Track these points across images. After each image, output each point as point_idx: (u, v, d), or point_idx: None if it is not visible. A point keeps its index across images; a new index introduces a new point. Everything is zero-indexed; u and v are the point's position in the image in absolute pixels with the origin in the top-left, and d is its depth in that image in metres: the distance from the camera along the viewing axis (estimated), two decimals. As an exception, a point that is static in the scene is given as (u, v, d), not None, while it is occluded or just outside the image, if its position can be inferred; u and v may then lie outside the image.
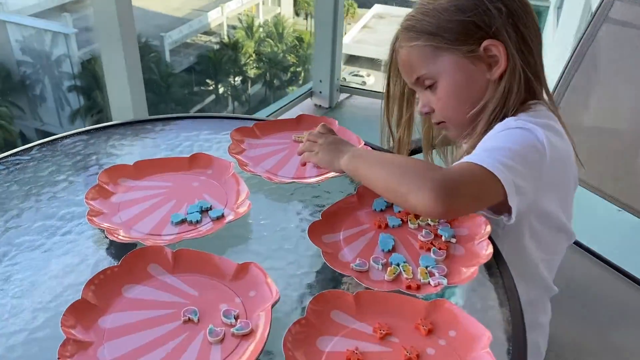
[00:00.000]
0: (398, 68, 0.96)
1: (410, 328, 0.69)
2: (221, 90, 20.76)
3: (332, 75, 2.94)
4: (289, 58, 21.13)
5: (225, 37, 20.71)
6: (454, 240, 0.83)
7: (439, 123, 0.96)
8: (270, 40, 20.94)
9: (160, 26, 19.06)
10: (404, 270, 0.76)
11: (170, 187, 0.92)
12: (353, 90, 3.25)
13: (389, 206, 0.90)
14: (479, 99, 0.89)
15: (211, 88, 20.56)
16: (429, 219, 0.86)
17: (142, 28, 17.72)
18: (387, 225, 0.85)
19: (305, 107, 3.08)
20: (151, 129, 1.11)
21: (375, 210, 0.89)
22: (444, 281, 0.74)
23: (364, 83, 20.45)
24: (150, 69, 17.92)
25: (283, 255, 0.80)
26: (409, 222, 0.86)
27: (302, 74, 21.75)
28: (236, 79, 20.84)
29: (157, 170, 0.95)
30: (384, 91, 1.03)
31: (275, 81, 21.50)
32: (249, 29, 20.49)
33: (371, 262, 0.78)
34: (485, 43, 0.86)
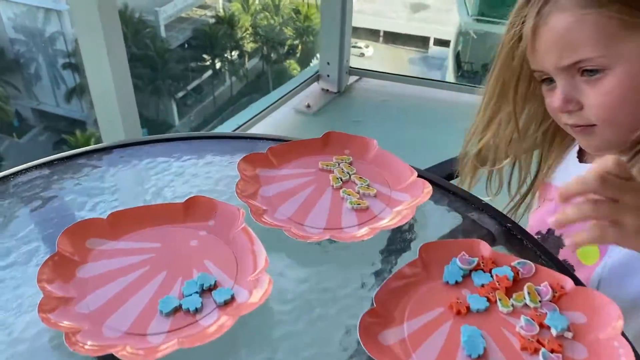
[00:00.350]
0: (528, 47, 0.68)
1: None
2: (218, 65, 20.31)
3: (340, 57, 2.65)
4: (285, 31, 20.60)
5: (221, 11, 20.14)
6: (569, 334, 0.57)
7: (583, 126, 0.69)
8: (267, 13, 20.37)
9: (154, 0, 18.52)
10: None
11: (159, 249, 0.66)
12: (363, 73, 2.96)
13: (467, 275, 0.64)
14: None
15: (208, 63, 20.11)
16: (527, 297, 0.60)
17: (136, 3, 17.19)
18: (468, 309, 0.59)
19: (312, 92, 2.79)
20: (132, 156, 0.84)
21: (448, 283, 0.63)
22: None
23: (362, 55, 19.99)
24: (145, 44, 17.45)
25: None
26: (498, 303, 0.60)
27: (300, 46, 21.29)
28: (233, 53, 20.38)
29: (140, 224, 0.69)
30: (492, 84, 0.75)
31: (272, 55, 21.01)
32: (245, 1, 19.94)
33: None
34: None
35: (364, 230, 0.68)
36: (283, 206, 0.73)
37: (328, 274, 0.66)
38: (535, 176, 0.85)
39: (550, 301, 0.60)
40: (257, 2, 20.07)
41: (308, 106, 2.66)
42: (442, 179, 0.79)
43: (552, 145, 0.82)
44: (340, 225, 0.70)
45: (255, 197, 0.74)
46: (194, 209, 0.70)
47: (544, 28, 0.66)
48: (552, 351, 0.55)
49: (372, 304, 0.58)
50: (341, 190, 0.75)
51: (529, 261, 0.64)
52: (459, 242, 0.66)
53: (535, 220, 0.84)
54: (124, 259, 0.64)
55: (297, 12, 20.53)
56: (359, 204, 0.72)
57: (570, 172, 0.76)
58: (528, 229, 0.77)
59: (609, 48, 0.63)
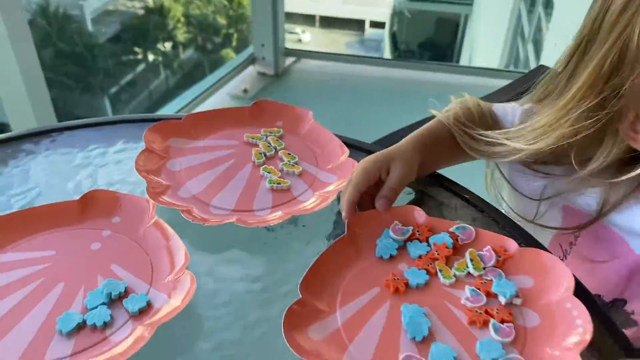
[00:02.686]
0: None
1: None
2: (151, 58, 19.65)
3: (275, 38, 2.55)
4: (219, 20, 20.16)
5: (150, 1, 19.45)
6: (518, 300, 0.51)
7: None
8: (198, 2, 19.84)
9: (77, -7, 17.64)
10: None
11: (54, 258, 0.55)
12: (301, 54, 2.86)
13: (402, 246, 0.56)
14: None
15: (140, 57, 19.42)
16: (470, 265, 0.54)
17: (58, -4, 16.32)
18: (407, 286, 0.52)
19: (248, 76, 2.68)
20: (22, 150, 0.72)
21: (382, 257, 0.55)
22: None
23: (299, 41, 19.82)
24: (72, 40, 16.64)
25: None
26: (439, 275, 0.53)
27: (235, 35, 20.89)
28: (166, 45, 19.77)
29: (28, 230, 0.57)
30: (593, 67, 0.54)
31: (208, 45, 20.52)
32: (175, -10, 19.31)
33: None
34: None
35: (276, 215, 0.59)
36: (190, 182, 0.63)
37: (266, 268, 0.57)
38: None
39: (495, 266, 0.54)
40: (187, -9, 19.49)
41: (245, 90, 2.55)
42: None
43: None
44: (252, 207, 0.61)
45: (159, 173, 0.64)
46: (92, 206, 0.59)
47: None
48: (502, 321, 0.49)
49: (299, 295, 0.49)
50: (262, 167, 0.66)
51: (468, 225, 0.57)
52: (390, 211, 0.59)
53: (593, 277, 0.64)
54: (11, 274, 0.53)
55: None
56: (279, 184, 0.63)
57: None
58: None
59: None
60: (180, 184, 0.63)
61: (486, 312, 0.49)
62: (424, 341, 0.47)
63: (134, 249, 0.56)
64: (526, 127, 0.61)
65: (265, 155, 0.68)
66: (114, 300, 0.50)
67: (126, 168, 0.68)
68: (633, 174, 0.54)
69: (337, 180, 0.64)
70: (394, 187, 0.59)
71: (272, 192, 0.63)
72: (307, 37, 21.34)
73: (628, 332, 0.61)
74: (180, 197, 0.61)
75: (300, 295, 0.49)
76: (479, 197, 0.65)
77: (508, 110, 0.69)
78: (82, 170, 0.68)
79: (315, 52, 2.97)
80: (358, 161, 0.62)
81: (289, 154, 0.68)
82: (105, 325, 0.48)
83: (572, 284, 0.49)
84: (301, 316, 0.48)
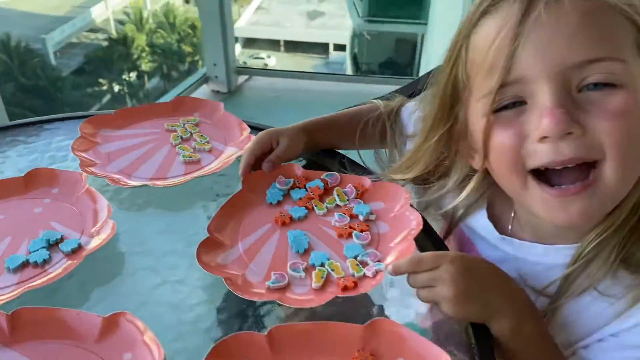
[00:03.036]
0: (500, 49, 0.51)
1: (346, 365, 0.52)
2: (117, 88, 19.64)
3: (226, 57, 2.70)
4: (184, 48, 20.31)
5: (114, 33, 19.51)
6: (372, 216, 0.68)
7: (582, 180, 0.51)
8: (162, 31, 19.98)
9: (39, 27, 17.58)
10: (332, 270, 0.60)
11: (2, 221, 0.68)
12: (252, 71, 3.03)
13: (286, 194, 0.72)
14: None
15: (105, 87, 19.39)
16: (337, 199, 0.70)
17: (20, 31, 16.26)
18: (291, 219, 0.68)
19: (202, 94, 2.82)
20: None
21: (272, 203, 0.71)
22: (382, 267, 0.59)
23: (265, 65, 20.10)
24: (36, 74, 16.53)
25: (169, 295, 0.60)
26: (315, 208, 0.70)
27: (200, 62, 21.03)
28: (130, 74, 19.80)
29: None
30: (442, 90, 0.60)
31: (173, 73, 20.62)
32: (138, 21, 19.44)
33: (290, 271, 0.60)
34: None
35: (182, 178, 0.74)
36: (117, 160, 0.78)
37: (178, 218, 0.71)
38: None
39: (355, 197, 0.71)
40: (150, 21, 19.65)
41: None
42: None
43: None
44: (166, 175, 0.75)
45: (91, 153, 0.78)
46: (35, 181, 0.74)
47: (552, 12, 0.48)
48: (361, 231, 0.66)
49: (207, 234, 0.64)
50: (178, 147, 0.81)
51: (335, 172, 0.74)
52: (276, 169, 0.74)
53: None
54: (-31, 230, 0.66)
55: (193, 27, 20.30)
56: (190, 157, 0.78)
57: (482, 233, 0.65)
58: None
59: (628, 59, 0.49)
60: (109, 162, 0.77)
61: (350, 227, 0.66)
62: (305, 253, 0.63)
63: (69, 210, 0.70)
64: (402, 159, 0.70)
65: (181, 138, 0.83)
66: (52, 245, 0.64)
67: (66, 153, 0.82)
68: (467, 190, 0.63)
69: (238, 151, 0.79)
70: (278, 155, 0.74)
71: (184, 164, 0.78)
72: (272, 62, 21.65)
73: None
74: (108, 170, 0.75)
75: (208, 235, 0.64)
76: (352, 160, 0.80)
77: (409, 115, 0.78)
78: (30, 156, 0.81)
79: (267, 69, 3.13)
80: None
81: (201, 135, 0.83)
82: (45, 262, 0.62)
83: (410, 199, 0.67)
84: (209, 249, 0.62)
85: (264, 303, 0.59)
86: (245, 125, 0.83)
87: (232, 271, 0.61)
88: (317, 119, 0.81)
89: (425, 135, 0.64)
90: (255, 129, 0.84)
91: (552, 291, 0.57)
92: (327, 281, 0.59)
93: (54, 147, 0.83)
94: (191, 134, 0.84)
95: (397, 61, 12.76)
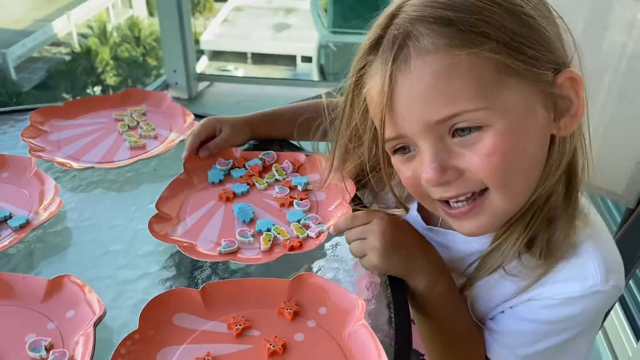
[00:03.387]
0: (379, 108, 0.54)
1: (273, 315, 0.57)
2: (81, 103, 19.29)
3: (186, 63, 2.74)
4: (149, 61, 20.18)
5: (77, 47, 19.25)
6: (310, 187, 0.75)
7: (469, 204, 0.56)
8: (127, 45, 19.82)
9: (-1, 42, 17.26)
10: (278, 234, 0.66)
11: (-45, 203, 0.72)
12: (213, 78, 3.07)
13: (227, 174, 0.78)
14: (541, 165, 0.56)
15: (69, 102, 19.04)
16: (276, 174, 0.77)
17: (-22, 46, 15.91)
18: (235, 195, 0.74)
19: (163, 102, 2.85)
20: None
21: (213, 183, 0.76)
22: (324, 228, 0.66)
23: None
24: (-6, 90, 16.17)
25: (111, 261, 0.65)
26: (256, 184, 0.75)
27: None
28: (95, 88, 19.55)
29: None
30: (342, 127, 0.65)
31: (138, 86, 20.44)
32: (102, 34, 19.23)
33: (238, 237, 0.65)
34: (565, 75, 0.53)
35: (128, 161, 0.80)
36: (66, 147, 0.82)
37: (122, 197, 0.76)
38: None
39: (293, 172, 0.78)
40: (115, 34, 19.48)
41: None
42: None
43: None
44: (113, 159, 0.80)
45: (41, 141, 0.82)
46: (-18, 166, 0.77)
47: (405, 78, 0.52)
48: (301, 199, 0.72)
49: (155, 210, 0.69)
50: (124, 134, 0.85)
51: (271, 151, 0.80)
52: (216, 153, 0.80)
53: None
54: None
55: (158, 41, 20.18)
56: (136, 142, 0.83)
57: (416, 225, 0.68)
58: None
59: (488, 99, 0.51)
60: (57, 149, 0.81)
61: (290, 197, 0.72)
62: (251, 222, 0.69)
63: (19, 191, 0.74)
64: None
65: (128, 126, 0.87)
66: (0, 222, 0.68)
67: (15, 142, 0.85)
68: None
69: (181, 135, 0.84)
70: (218, 143, 0.79)
71: (130, 150, 0.82)
72: (240, 74, 21.72)
73: None
74: (57, 156, 0.79)
75: (157, 211, 0.68)
76: (289, 142, 0.86)
77: None
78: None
79: (227, 76, 3.18)
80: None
81: (147, 124, 0.88)
82: (-7, 237, 0.66)
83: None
84: (159, 223, 0.67)
85: (202, 272, 0.63)
86: (189, 112, 0.88)
87: (183, 240, 0.65)
88: (263, 112, 0.86)
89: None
90: (199, 117, 0.89)
91: (470, 272, 0.64)
92: (274, 244, 0.65)
93: (3, 137, 0.87)
94: (138, 122, 0.88)
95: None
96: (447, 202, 0.57)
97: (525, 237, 0.58)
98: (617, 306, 1.48)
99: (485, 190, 0.55)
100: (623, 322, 1.45)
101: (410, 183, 0.58)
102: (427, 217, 0.69)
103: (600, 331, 1.52)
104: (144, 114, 0.91)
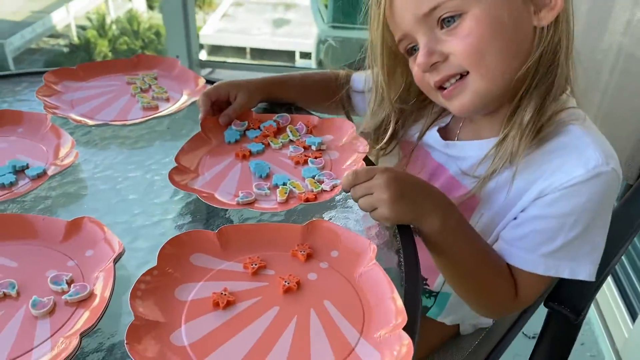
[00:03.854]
0: (387, 12, 0.67)
1: (287, 257, 0.59)
2: (79, 96, 19.23)
3: (189, 49, 2.75)
4: (148, 54, 20.16)
5: (75, 39, 19.24)
6: (324, 146, 0.77)
7: (454, 83, 0.65)
8: (126, 37, 19.82)
9: (-3, 33, 17.21)
10: (293, 187, 0.67)
11: (-28, 155, 0.73)
12: (216, 65, 3.08)
13: (242, 134, 0.79)
14: (523, 53, 0.63)
15: (67, 95, 18.99)
16: (290, 134, 0.78)
17: (-25, 37, 15.86)
18: (251, 153, 0.75)
19: (165, 87, 2.86)
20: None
21: (230, 142, 0.77)
22: (338, 182, 0.68)
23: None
24: (-8, 81, 16.11)
25: (127, 208, 0.66)
26: (271, 144, 0.77)
27: (166, 69, 20.72)
28: (94, 81, 19.45)
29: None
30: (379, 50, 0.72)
31: (138, 80, 20.33)
32: (101, 27, 19.20)
33: (255, 190, 0.67)
34: None
35: (141, 119, 0.81)
36: (79, 107, 0.84)
37: (137, 152, 0.77)
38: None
39: (306, 133, 0.80)
40: (114, 27, 19.45)
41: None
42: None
43: (410, 117, 0.80)
44: (126, 118, 0.82)
45: (56, 99, 0.84)
46: (1, 121, 0.79)
47: None
48: (315, 158, 0.74)
49: (175, 164, 0.70)
50: (137, 95, 0.87)
51: (285, 114, 0.82)
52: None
53: None
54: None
55: (157, 34, 20.17)
56: (149, 103, 0.84)
57: (436, 148, 0.76)
58: None
59: None
60: (71, 108, 0.83)
61: (305, 156, 0.74)
62: (267, 177, 0.71)
63: (34, 146, 0.75)
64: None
65: (141, 89, 0.89)
66: (18, 172, 0.69)
67: (30, 101, 0.87)
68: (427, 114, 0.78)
69: (193, 97, 0.85)
70: (235, 109, 0.80)
71: (143, 110, 0.84)
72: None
73: None
74: (72, 114, 0.81)
75: (174, 164, 0.70)
76: (299, 107, 0.88)
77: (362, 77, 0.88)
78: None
79: (230, 63, 3.19)
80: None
81: (160, 87, 0.89)
82: (11, 184, 0.67)
83: (353, 129, 0.77)
84: (179, 174, 0.69)
85: (218, 220, 0.65)
86: (200, 77, 0.90)
87: (203, 190, 0.67)
88: (274, 76, 0.88)
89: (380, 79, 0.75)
90: (210, 82, 0.90)
91: (483, 172, 0.68)
92: (289, 197, 0.66)
93: (18, 96, 0.88)
94: (150, 85, 0.90)
95: (363, 68, 12.96)
96: (442, 87, 0.66)
97: (526, 126, 0.64)
98: (613, 286, 1.50)
99: (468, 72, 0.64)
100: (619, 302, 1.47)
101: (419, 78, 0.69)
102: (445, 136, 0.76)
103: (595, 312, 1.55)
104: (155, 78, 0.92)
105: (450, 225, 0.62)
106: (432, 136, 0.77)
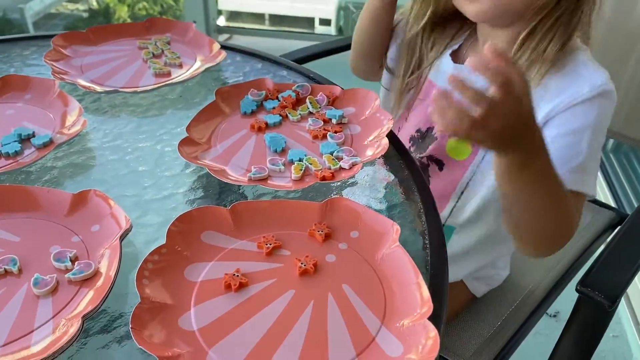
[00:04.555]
0: None
1: (304, 237, 0.55)
2: (98, 61, 19.28)
3: (206, 14, 2.68)
4: (160, 17, 20.03)
5: (94, 4, 19.16)
6: (345, 120, 0.71)
7: None
8: (145, 3, 19.67)
9: (16, -3, 17.20)
10: (310, 164, 0.63)
11: (-23, 121, 0.70)
12: (233, 30, 3.02)
13: (259, 105, 0.74)
14: None
15: (87, 61, 19.05)
16: (310, 106, 0.73)
17: (-4, 1, 15.88)
18: (267, 125, 0.71)
19: (182, 53, 2.81)
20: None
21: (245, 113, 0.73)
22: (358, 160, 0.63)
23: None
24: (12, 46, 16.18)
25: (136, 181, 0.63)
26: (289, 116, 0.72)
27: (185, 35, 20.63)
28: (113, 47, 19.46)
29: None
30: None
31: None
32: (120, -8, 19.05)
33: (269, 165, 0.63)
34: None
35: (152, 86, 0.77)
36: (89, 72, 0.80)
37: (148, 121, 0.73)
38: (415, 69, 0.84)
39: (327, 105, 0.74)
40: (132, -8, 19.29)
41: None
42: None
43: (431, 35, 0.81)
44: (137, 85, 0.77)
45: (65, 64, 0.80)
46: (7, 86, 0.75)
47: None
48: (335, 132, 0.69)
49: (186, 134, 0.66)
50: (149, 61, 0.82)
51: (305, 83, 0.77)
52: (247, 83, 0.77)
53: (416, 116, 0.84)
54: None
55: (176, 0, 19.97)
56: (161, 69, 0.80)
57: (445, 72, 0.78)
58: (407, 125, 0.85)
59: None
60: (81, 73, 0.79)
61: (324, 129, 0.69)
62: (283, 152, 0.66)
63: (42, 112, 0.72)
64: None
65: (153, 54, 0.84)
66: (24, 140, 0.66)
67: (38, 65, 0.83)
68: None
69: (208, 64, 0.81)
70: None
71: (155, 77, 0.79)
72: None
73: (431, 147, 0.80)
74: (81, 80, 0.77)
75: (187, 134, 0.66)
76: (321, 76, 0.83)
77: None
78: (2, 66, 0.83)
79: (248, 28, 3.12)
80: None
81: (172, 52, 0.85)
82: (16, 153, 0.64)
83: (377, 101, 0.71)
84: (189, 146, 0.64)
85: (230, 195, 0.61)
86: (215, 42, 0.85)
87: (214, 164, 0.63)
88: None
89: None
90: (226, 48, 0.86)
91: None
92: (305, 174, 0.62)
93: (26, 60, 0.85)
94: (162, 50, 0.85)
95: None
96: None
97: (545, 58, 0.66)
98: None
99: None
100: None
101: None
102: (456, 60, 0.79)
103: (623, 300, 1.50)
104: (168, 43, 0.88)
105: (536, 166, 0.56)
106: (445, 62, 0.79)
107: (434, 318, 0.44)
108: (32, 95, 0.74)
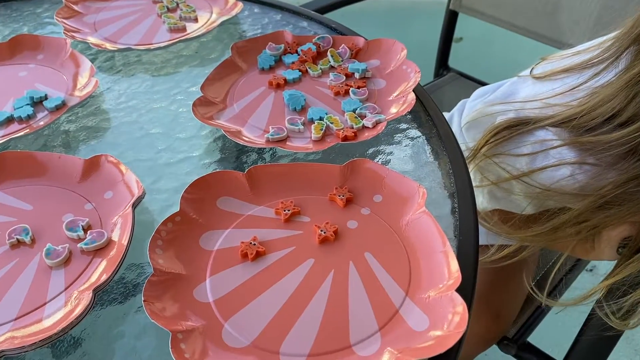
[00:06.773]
0: None
1: (324, 201, 0.52)
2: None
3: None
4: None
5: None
6: (369, 74, 0.67)
7: None
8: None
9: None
10: (331, 123, 0.59)
11: (-11, 83, 0.68)
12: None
13: (278, 60, 0.70)
14: None
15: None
16: (331, 60, 0.69)
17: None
18: (286, 82, 0.67)
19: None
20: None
21: (263, 69, 0.69)
22: (382, 117, 0.59)
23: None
24: None
25: (150, 144, 0.60)
26: (309, 71, 0.68)
27: None
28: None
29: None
30: None
31: None
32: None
33: (288, 125, 0.59)
34: None
35: (167, 43, 0.73)
36: (103, 29, 0.76)
37: (162, 80, 0.70)
38: None
39: (350, 58, 0.70)
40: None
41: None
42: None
43: None
44: (151, 41, 0.74)
45: (77, 21, 0.77)
46: (19, 47, 0.73)
47: None
48: (358, 87, 0.65)
49: (200, 93, 0.63)
50: (163, 15, 0.79)
51: (327, 35, 0.72)
52: (264, 37, 0.72)
53: None
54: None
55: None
56: (176, 24, 0.76)
57: None
58: None
59: None
60: (93, 31, 0.76)
61: (346, 85, 0.65)
62: (303, 110, 0.62)
63: (54, 73, 0.69)
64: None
65: (167, 8, 0.80)
66: (36, 103, 0.64)
67: (49, 23, 0.80)
68: None
69: (224, 17, 0.77)
70: None
71: (170, 32, 0.76)
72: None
73: None
74: (93, 38, 0.74)
75: (202, 94, 0.63)
76: (343, 25, 0.78)
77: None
78: (14, 25, 0.80)
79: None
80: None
81: (188, 5, 0.81)
82: (29, 117, 0.62)
83: (405, 52, 0.67)
84: (204, 106, 0.61)
85: (248, 157, 0.59)
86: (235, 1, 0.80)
87: (230, 125, 0.60)
88: None
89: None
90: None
91: None
92: (326, 134, 0.58)
93: (38, 18, 0.82)
94: (177, 4, 0.81)
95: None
96: None
97: None
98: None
99: None
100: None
101: None
102: None
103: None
104: (183, -5, 0.83)
105: None
106: None
107: (463, 289, 0.41)
108: (45, 55, 0.72)
